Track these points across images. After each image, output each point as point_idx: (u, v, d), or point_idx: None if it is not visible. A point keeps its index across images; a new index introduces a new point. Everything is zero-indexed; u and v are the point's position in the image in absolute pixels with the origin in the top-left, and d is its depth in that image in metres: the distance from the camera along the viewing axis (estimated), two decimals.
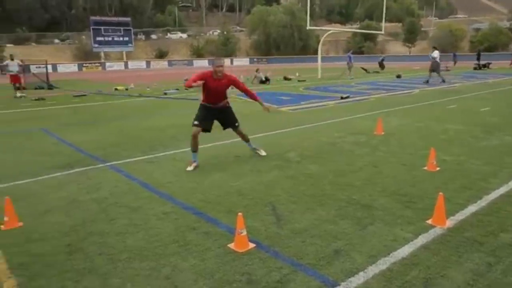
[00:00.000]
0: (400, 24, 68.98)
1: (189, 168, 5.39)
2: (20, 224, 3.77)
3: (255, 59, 62.05)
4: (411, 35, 63.94)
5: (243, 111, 11.22)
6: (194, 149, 5.47)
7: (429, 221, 3.61)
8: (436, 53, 19.23)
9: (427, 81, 19.17)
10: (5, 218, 3.72)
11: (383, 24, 29.36)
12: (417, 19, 67.95)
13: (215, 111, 5.62)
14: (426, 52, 59.10)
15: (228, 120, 5.78)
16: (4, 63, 18.90)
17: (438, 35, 60.37)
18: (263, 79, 21.27)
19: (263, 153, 6.02)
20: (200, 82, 5.30)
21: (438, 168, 5.18)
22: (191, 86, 5.28)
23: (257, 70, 22.50)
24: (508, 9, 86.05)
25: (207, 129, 5.60)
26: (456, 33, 58.46)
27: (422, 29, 67.40)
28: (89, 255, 3.15)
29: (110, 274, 2.87)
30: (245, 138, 6.01)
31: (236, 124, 5.80)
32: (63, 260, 3.08)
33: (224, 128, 5.88)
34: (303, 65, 46.39)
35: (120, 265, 3.00)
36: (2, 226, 3.71)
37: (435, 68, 19.18)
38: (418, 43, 64.51)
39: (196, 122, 5.47)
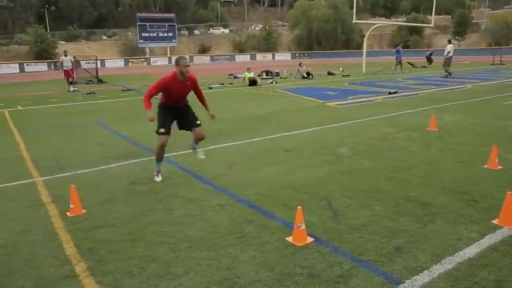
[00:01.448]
0: (449, 16, 66.08)
1: (158, 179, 4.87)
2: (84, 211, 3.95)
3: (296, 54, 61.54)
4: (461, 28, 61.05)
5: (289, 106, 11.20)
6: (161, 159, 4.93)
7: (495, 221, 3.44)
8: (450, 47, 19.27)
9: (449, 74, 19.21)
10: (71, 205, 3.91)
11: (433, 16, 28.25)
12: (468, 11, 64.73)
13: (175, 111, 4.97)
14: (478, 46, 56.58)
15: (188, 119, 5.07)
16: (60, 59, 19.78)
17: (491, 27, 57.31)
18: (305, 75, 21.02)
19: (202, 156, 5.36)
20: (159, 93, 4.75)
21: (500, 167, 4.93)
22: (149, 106, 4.61)
23: (300, 64, 22.28)
24: None
25: (170, 133, 4.93)
26: (511, 24, 55.20)
27: (474, 21, 64.18)
28: (151, 244, 3.25)
29: (172, 263, 2.95)
30: (201, 139, 5.24)
31: (198, 122, 5.10)
32: (127, 247, 3.20)
33: (181, 129, 5.16)
34: (345, 60, 45.48)
35: (181, 254, 3.07)
36: (68, 213, 3.90)
37: (448, 61, 19.37)
38: (468, 37, 61.56)
39: (162, 130, 4.79)
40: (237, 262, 2.92)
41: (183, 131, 5.20)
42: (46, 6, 59.42)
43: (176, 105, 4.95)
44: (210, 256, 3.02)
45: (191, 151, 5.50)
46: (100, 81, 22.63)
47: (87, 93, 16.40)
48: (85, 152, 6.45)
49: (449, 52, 19.06)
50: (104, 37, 64.09)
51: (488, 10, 77.52)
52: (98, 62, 30.26)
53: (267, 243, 3.19)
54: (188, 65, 4.74)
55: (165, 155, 5.91)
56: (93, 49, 53.95)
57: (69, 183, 4.26)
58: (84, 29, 62.51)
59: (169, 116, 4.90)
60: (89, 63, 27.95)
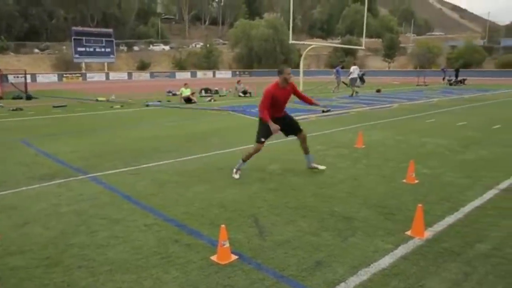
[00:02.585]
0: (380, 40, 70.64)
1: (236, 176, 5.55)
2: None
3: (237, 72, 62.35)
4: (390, 51, 65.50)
5: (226, 124, 11.29)
6: (247, 160, 5.70)
7: (408, 233, 3.69)
8: (352, 69, 21.67)
9: (355, 94, 20.77)
10: None
11: (363, 39, 29.99)
12: (396, 36, 69.73)
13: (278, 122, 5.55)
14: (406, 68, 60.81)
15: (292, 126, 5.86)
16: None
17: (416, 52, 62.06)
18: (241, 94, 21.34)
19: (322, 167, 5.96)
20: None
21: (417, 181, 5.30)
22: (269, 118, 5.41)
23: (238, 82, 22.62)
24: (482, 28, 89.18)
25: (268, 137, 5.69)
26: (433, 50, 60.17)
27: (401, 45, 69.15)
28: (68, 268, 3.10)
29: (90, 287, 2.83)
30: (305, 138, 5.91)
31: (301, 127, 5.89)
32: (42, 274, 3.03)
33: (288, 135, 5.99)
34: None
35: (101, 278, 2.96)
36: None
37: (352, 82, 21.41)
38: (397, 59, 66.09)
39: (263, 139, 5.58)
40: (159, 284, 2.87)
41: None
42: None
43: (277, 116, 5.58)
44: (131, 279, 2.94)
45: (312, 167, 5.95)
46: (29, 97, 21.38)
47: (13, 109, 15.42)
48: (6, 172, 6.03)
49: (351, 73, 21.01)
50: (36, 50, 60.81)
51: (414, 36, 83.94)
52: (28, 76, 28.61)
53: (191, 262, 3.17)
54: (290, 72, 5.57)
55: (93, 174, 5.72)
56: (23, 62, 50.94)
57: None
58: (13, 41, 58.91)
59: (268, 130, 5.50)
60: (17, 77, 26.29)
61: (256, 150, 5.62)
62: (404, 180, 5.35)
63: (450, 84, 31.03)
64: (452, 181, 5.37)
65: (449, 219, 4.03)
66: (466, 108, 14.87)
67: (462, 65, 47.44)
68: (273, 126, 5.38)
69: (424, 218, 3.70)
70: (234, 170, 5.61)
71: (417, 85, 30.48)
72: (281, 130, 5.63)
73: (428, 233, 3.67)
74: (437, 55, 60.36)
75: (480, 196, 4.74)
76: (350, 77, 21.38)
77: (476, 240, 3.54)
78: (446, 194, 4.81)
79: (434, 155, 6.91)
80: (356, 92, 20.87)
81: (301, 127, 5.86)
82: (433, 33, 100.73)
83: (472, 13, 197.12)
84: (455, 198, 4.66)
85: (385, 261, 3.18)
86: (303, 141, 5.87)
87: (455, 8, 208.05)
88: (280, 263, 3.15)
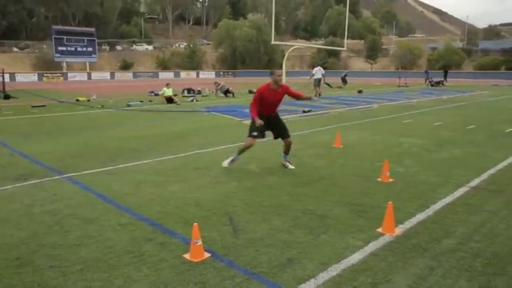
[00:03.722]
0: (363, 41, 71.46)
1: (225, 163, 6.05)
2: None
3: (221, 73, 62.28)
4: (372, 52, 66.32)
5: (206, 124, 11.30)
6: (242, 153, 6.13)
7: (379, 230, 3.77)
8: (314, 70, 21.79)
9: (319, 95, 20.85)
10: None
11: (345, 41, 30.33)
12: (379, 37, 70.66)
13: (268, 121, 5.91)
14: (388, 69, 61.66)
15: (281, 130, 6.10)
16: None
17: (398, 53, 62.98)
18: (222, 94, 21.27)
19: (291, 166, 6.11)
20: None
21: (391, 179, 5.41)
22: (256, 113, 5.77)
23: (215, 83, 22.53)
24: (461, 31, 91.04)
25: (261, 137, 6.03)
26: (414, 51, 61.19)
27: (383, 46, 70.09)
28: (39, 268, 3.09)
29: (61, 287, 2.82)
30: (289, 145, 6.15)
31: (288, 133, 6.11)
32: (11, 274, 3.00)
33: (276, 138, 6.23)
34: (268, 79, 46.96)
35: (72, 277, 2.95)
36: None
37: (315, 83, 21.38)
38: (379, 60, 66.96)
39: (255, 133, 5.88)
40: (130, 282, 2.88)
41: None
42: None
43: (269, 114, 5.91)
44: (102, 277, 2.94)
45: (284, 164, 6.17)
46: (7, 96, 20.96)
47: None
48: None
49: (314, 74, 21.16)
50: (15, 49, 59.60)
51: (396, 37, 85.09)
52: (7, 75, 28.03)
53: (164, 261, 3.18)
54: (281, 75, 5.95)
55: (69, 174, 5.69)
56: (2, 61, 49.77)
57: None
58: None
59: (263, 125, 5.80)
60: None
61: (247, 145, 5.95)
62: (379, 179, 5.46)
63: (432, 85, 31.61)
64: (426, 179, 5.50)
65: (420, 216, 4.14)
66: (444, 109, 15.19)
67: (442, 66, 48.38)
68: (257, 121, 5.71)
69: (395, 215, 3.79)
70: (230, 158, 6.05)
71: (398, 86, 30.96)
72: (271, 130, 6.04)
73: (399, 230, 3.77)
74: (418, 57, 61.41)
75: (451, 193, 4.87)
76: (313, 78, 21.41)
77: (443, 236, 3.64)
78: (419, 192, 4.93)
79: (409, 155, 7.06)
80: (319, 94, 20.90)
81: (288, 133, 6.10)
82: (414, 35, 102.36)
83: (452, 16, 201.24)
84: (427, 196, 4.78)
85: (354, 258, 3.25)
86: (287, 146, 6.12)
87: (436, 11, 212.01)
88: (252, 260, 3.19)
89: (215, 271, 3.02)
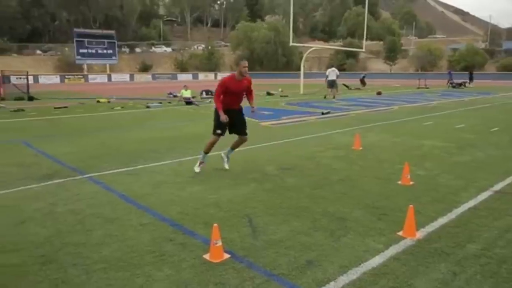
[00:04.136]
0: (381, 42, 70.72)
1: (197, 170, 5.90)
2: None
3: None
4: (391, 54, 65.56)
5: None
6: (208, 152, 5.98)
7: (400, 233, 3.72)
8: (328, 71, 21.21)
9: (329, 97, 20.56)
10: None
11: (364, 42, 30.08)
12: (398, 38, 69.77)
13: (230, 114, 5.74)
14: (407, 70, 60.87)
15: (240, 127, 5.94)
16: None
17: (417, 54, 62.12)
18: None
19: (226, 166, 6.09)
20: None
21: (411, 182, 5.34)
22: (221, 107, 5.62)
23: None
24: (484, 31, 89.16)
25: (223, 134, 5.89)
26: (435, 52, 60.24)
27: (402, 47, 69.22)
28: (63, 266, 3.15)
29: (83, 285, 2.88)
30: (241, 143, 6.09)
31: (247, 131, 6.00)
32: (36, 271, 3.07)
33: (231, 133, 5.98)
34: (286, 80, 46.87)
35: (94, 275, 3.01)
36: None
37: (329, 85, 20.96)
38: (398, 61, 66.14)
39: (219, 131, 5.77)
40: (151, 281, 2.91)
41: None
42: None
43: (231, 108, 5.74)
44: (124, 276, 2.99)
45: (222, 153, 6.15)
46: (31, 97, 21.48)
47: (14, 110, 15.51)
48: (4, 172, 6.09)
49: (328, 76, 20.85)
50: (38, 51, 61.12)
51: (415, 38, 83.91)
52: (31, 77, 28.74)
53: (184, 261, 3.21)
54: (246, 66, 5.69)
55: (90, 175, 5.79)
56: (26, 64, 51.10)
57: None
58: (16, 42, 59.21)
59: (222, 121, 5.63)
60: (19, 78, 26.41)
61: (212, 142, 5.84)
62: (399, 182, 5.39)
63: (453, 87, 31.05)
64: (447, 182, 5.41)
65: (442, 220, 4.07)
66: (465, 111, 14.89)
67: (464, 67, 47.49)
68: (222, 116, 5.58)
69: (416, 219, 3.74)
70: (198, 163, 5.92)
71: (418, 88, 30.52)
72: (229, 125, 5.78)
73: (420, 234, 3.71)
74: (438, 58, 60.44)
75: (474, 197, 4.77)
76: (327, 79, 21.07)
77: (466, 241, 3.57)
78: (440, 196, 4.85)
79: (430, 157, 6.95)
80: (333, 97, 20.39)
81: (246, 132, 5.98)
82: (435, 36, 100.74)
83: (474, 16, 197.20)
84: (449, 200, 4.70)
85: (375, 261, 3.21)
86: (240, 142, 6.04)
87: (457, 11, 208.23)
88: (271, 262, 3.19)
89: (235, 272, 3.03)
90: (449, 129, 10.15)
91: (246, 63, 5.72)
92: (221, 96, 5.67)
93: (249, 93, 5.99)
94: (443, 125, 10.89)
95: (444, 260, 3.22)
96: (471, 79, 33.53)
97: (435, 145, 7.96)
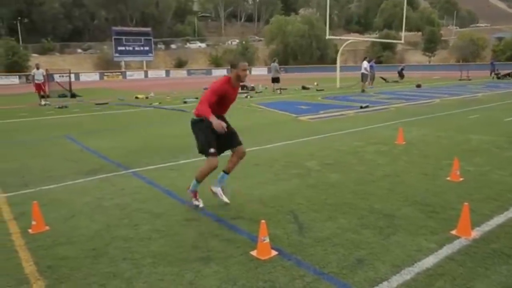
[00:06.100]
0: (420, 33, 68.37)
1: (200, 204, 4.35)
2: (47, 228, 3.86)
3: None
4: (431, 45, 63.27)
5: (263, 120, 11.30)
6: (202, 180, 4.33)
7: (454, 232, 3.55)
8: (364, 64, 20.76)
9: (363, 91, 20.12)
10: (33, 222, 3.82)
11: (402, 33, 29.17)
12: (437, 28, 67.22)
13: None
14: (447, 61, 58.62)
15: (232, 136, 4.39)
16: (31, 72, 19.35)
17: (459, 45, 59.64)
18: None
19: (225, 199, 4.44)
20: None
21: (461, 179, 5.10)
22: (209, 113, 3.98)
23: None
24: None
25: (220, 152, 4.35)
26: (478, 42, 57.60)
27: (442, 38, 66.63)
28: (114, 260, 3.21)
29: (135, 279, 2.91)
30: (242, 157, 4.51)
31: (240, 138, 4.49)
32: (89, 264, 3.15)
33: (221, 150, 4.37)
34: (321, 74, 46.28)
35: (144, 270, 3.04)
36: (30, 230, 3.81)
37: (363, 77, 20.69)
38: (438, 53, 63.78)
39: (212, 150, 4.14)
40: (200, 277, 2.91)
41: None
42: (19, 18, 58.36)
43: (219, 114, 4.22)
44: (173, 271, 3.00)
45: (213, 188, 4.46)
46: (73, 95, 22.27)
47: (59, 107, 16.12)
48: (53, 167, 6.32)
49: (365, 69, 20.33)
50: (79, 50, 63.33)
51: (456, 28, 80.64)
52: (72, 75, 29.84)
53: (231, 257, 3.19)
54: (247, 69, 4.23)
55: (134, 170, 5.87)
56: (68, 62, 53.17)
57: (33, 200, 4.16)
58: (58, 42, 61.62)
59: (212, 134, 4.07)
60: (62, 76, 27.46)
61: (211, 166, 4.16)
62: (448, 178, 5.16)
63: (498, 78, 29.62)
64: (500, 179, 5.13)
65: (499, 219, 3.85)
66: None
67: (510, 57, 45.16)
68: (216, 122, 3.94)
69: (470, 217, 3.55)
70: (191, 194, 4.37)
71: (460, 79, 29.31)
72: (217, 142, 4.19)
73: (475, 233, 3.52)
74: (482, 48, 57.75)
75: None
76: (361, 72, 20.80)
77: None
78: (494, 193, 4.60)
79: (479, 152, 6.62)
80: (363, 90, 20.14)
81: (241, 140, 4.45)
82: (477, 25, 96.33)
83: None
84: (504, 197, 4.44)
85: (429, 261, 3.07)
86: (238, 157, 4.43)
87: None
88: (320, 259, 3.12)
89: (284, 270, 2.98)
90: (498, 123, 9.66)
91: (246, 65, 4.21)
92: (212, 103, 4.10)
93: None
94: (491, 118, 10.38)
95: (506, 262, 3.04)
96: None
97: (483, 140, 7.59)
